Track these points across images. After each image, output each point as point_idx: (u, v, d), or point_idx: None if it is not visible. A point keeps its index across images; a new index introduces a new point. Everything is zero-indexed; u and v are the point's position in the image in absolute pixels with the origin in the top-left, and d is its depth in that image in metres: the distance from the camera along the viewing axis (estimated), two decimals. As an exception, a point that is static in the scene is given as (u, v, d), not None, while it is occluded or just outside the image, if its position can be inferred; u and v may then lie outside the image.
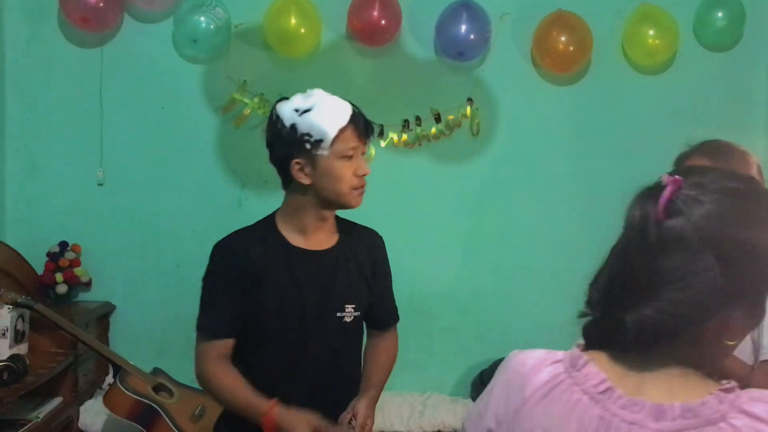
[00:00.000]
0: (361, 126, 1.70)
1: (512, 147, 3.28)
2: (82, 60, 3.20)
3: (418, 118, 3.18)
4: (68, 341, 2.87)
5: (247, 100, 3.10)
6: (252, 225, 1.80)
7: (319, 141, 1.64)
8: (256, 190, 3.27)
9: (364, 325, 1.93)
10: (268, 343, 1.75)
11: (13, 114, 3.20)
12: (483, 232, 3.31)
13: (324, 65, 3.19)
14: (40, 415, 2.66)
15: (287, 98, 1.72)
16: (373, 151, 3.18)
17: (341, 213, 1.88)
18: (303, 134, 1.65)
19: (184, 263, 3.27)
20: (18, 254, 2.99)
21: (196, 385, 2.91)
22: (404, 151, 3.22)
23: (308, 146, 1.65)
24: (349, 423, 1.73)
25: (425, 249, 3.27)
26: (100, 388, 3.14)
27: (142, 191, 3.26)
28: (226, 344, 1.73)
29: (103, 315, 3.23)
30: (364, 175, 1.72)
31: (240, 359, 1.77)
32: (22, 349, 2.70)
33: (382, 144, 3.18)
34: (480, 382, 3.19)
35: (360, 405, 1.77)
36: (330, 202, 1.74)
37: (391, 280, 1.96)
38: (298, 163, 1.68)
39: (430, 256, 3.27)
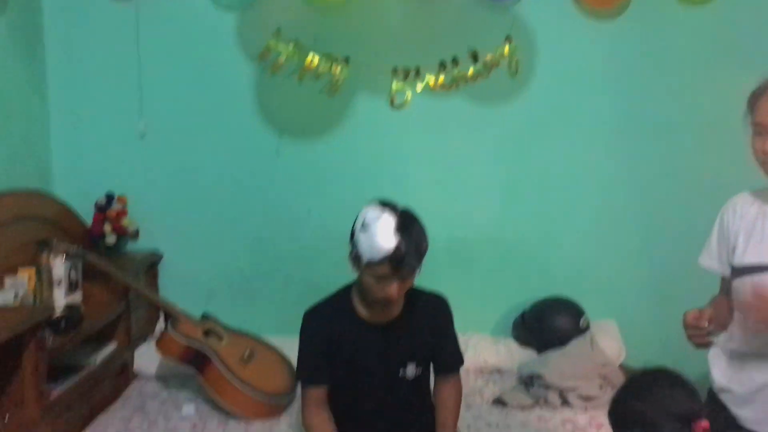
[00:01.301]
0: (398, 265, 1.87)
1: (552, 87, 3.21)
2: (119, 12, 3.21)
3: (454, 60, 3.12)
4: (120, 290, 2.97)
5: (281, 48, 3.08)
6: (335, 295, 2.12)
7: (359, 258, 1.90)
8: (294, 139, 3.29)
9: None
10: (345, 396, 2.09)
11: (55, 69, 3.24)
12: (522, 174, 3.28)
13: (359, 8, 3.14)
14: (97, 360, 2.78)
15: (383, 201, 1.96)
16: (409, 95, 3.14)
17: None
18: (353, 243, 1.92)
19: (227, 212, 3.33)
20: (67, 206, 3.08)
21: (244, 329, 3.02)
22: (441, 95, 3.18)
23: (353, 256, 1.94)
24: None
25: (464, 193, 3.26)
26: (153, 334, 3.25)
27: (182, 142, 3.30)
28: (321, 390, 2.06)
29: (152, 264, 3.32)
30: (388, 297, 1.93)
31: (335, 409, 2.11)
32: (77, 298, 2.81)
33: (419, 87, 3.14)
34: (521, 322, 3.22)
35: None
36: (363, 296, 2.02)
37: (454, 333, 2.20)
38: (350, 257, 1.96)
39: (469, 200, 3.27)
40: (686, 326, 1.87)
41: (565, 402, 2.75)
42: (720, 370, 1.92)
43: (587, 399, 2.73)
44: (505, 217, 3.30)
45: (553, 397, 2.75)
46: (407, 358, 2.08)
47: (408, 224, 1.90)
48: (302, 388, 2.10)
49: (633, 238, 3.29)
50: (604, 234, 3.29)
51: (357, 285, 2.04)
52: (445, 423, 2.11)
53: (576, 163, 3.24)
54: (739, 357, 1.89)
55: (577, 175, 3.25)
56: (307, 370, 2.08)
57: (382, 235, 1.85)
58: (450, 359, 2.19)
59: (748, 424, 1.84)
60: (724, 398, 1.90)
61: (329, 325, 2.04)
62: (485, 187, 3.28)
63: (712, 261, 1.95)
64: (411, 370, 2.08)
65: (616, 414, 1.73)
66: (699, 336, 1.86)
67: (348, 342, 2.04)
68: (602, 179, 3.25)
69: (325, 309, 2.08)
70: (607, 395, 2.65)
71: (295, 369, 2.13)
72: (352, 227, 1.93)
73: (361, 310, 2.05)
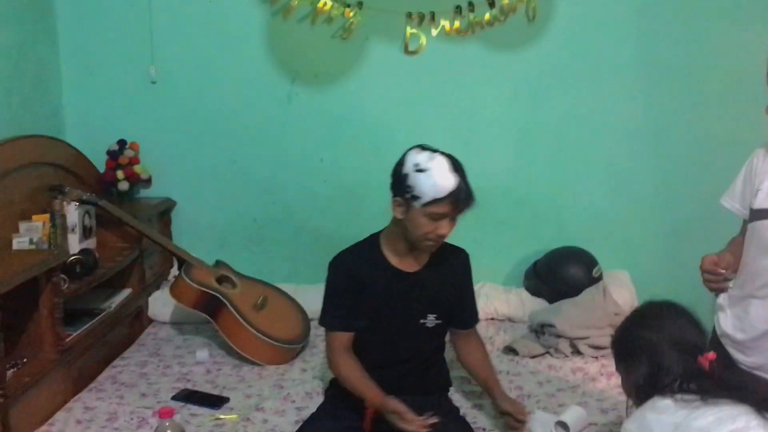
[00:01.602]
0: (458, 203, 1.96)
1: (569, 32, 3.13)
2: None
3: (471, 4, 3.05)
4: (133, 236, 2.98)
5: (293, -9, 3.02)
6: (362, 243, 2.17)
7: (417, 197, 1.94)
8: (306, 85, 3.25)
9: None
10: (364, 342, 2.11)
11: (66, 16, 3.20)
12: (539, 122, 3.23)
13: (372, -50, 3.07)
14: (113, 305, 2.82)
15: (423, 146, 2.01)
16: (423, 40, 3.09)
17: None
18: (408, 185, 1.95)
19: (239, 159, 3.32)
20: (80, 153, 3.07)
21: (256, 276, 3.04)
22: (456, 40, 3.12)
23: (407, 196, 1.96)
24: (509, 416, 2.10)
25: (479, 141, 3.22)
26: (166, 280, 3.29)
27: (193, 88, 3.27)
28: (346, 336, 2.09)
29: (165, 211, 3.33)
30: (440, 236, 2.00)
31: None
32: (91, 243, 2.83)
33: (434, 33, 3.09)
34: (533, 272, 3.22)
35: (505, 403, 2.11)
36: (407, 239, 2.05)
37: (473, 289, 2.27)
38: (397, 200, 2.01)
39: (483, 148, 3.23)
40: (703, 271, 1.87)
41: (575, 351, 2.77)
42: (725, 316, 1.93)
43: (598, 348, 2.74)
44: (519, 165, 3.27)
45: (564, 346, 2.76)
46: (429, 308, 2.12)
47: (458, 164, 1.99)
48: (328, 333, 2.12)
49: (648, 189, 3.25)
50: (619, 184, 3.26)
51: (394, 231, 2.07)
52: (489, 376, 2.19)
53: (593, 111, 3.19)
54: (743, 304, 1.89)
55: (593, 123, 3.20)
56: (336, 316, 2.10)
57: (443, 173, 1.93)
58: (471, 315, 2.26)
59: (748, 369, 1.86)
60: (727, 343, 1.92)
61: (357, 271, 2.08)
62: (500, 136, 3.24)
63: (734, 202, 1.96)
64: (431, 320, 2.12)
65: (620, 343, 1.72)
66: (715, 281, 1.86)
67: (374, 288, 2.08)
68: (619, 127, 3.19)
69: (352, 255, 2.12)
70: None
71: (321, 314, 2.14)
72: (398, 171, 1.98)
73: (391, 257, 2.09)
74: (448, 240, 2.10)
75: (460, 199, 1.95)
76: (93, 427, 2.24)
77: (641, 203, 3.27)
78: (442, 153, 2.00)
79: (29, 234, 2.49)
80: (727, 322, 1.93)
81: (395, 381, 2.06)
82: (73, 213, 2.72)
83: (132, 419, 2.29)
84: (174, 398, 2.43)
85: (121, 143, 3.24)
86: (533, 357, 2.74)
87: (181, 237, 3.33)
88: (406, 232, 2.03)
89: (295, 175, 3.32)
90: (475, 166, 3.22)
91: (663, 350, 1.60)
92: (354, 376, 2.05)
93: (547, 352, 2.77)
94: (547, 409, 2.30)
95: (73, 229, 2.72)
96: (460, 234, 3.28)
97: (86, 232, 2.81)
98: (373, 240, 2.14)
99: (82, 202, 2.76)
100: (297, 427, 2.22)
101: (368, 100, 3.24)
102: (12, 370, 2.20)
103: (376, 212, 3.30)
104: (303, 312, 2.97)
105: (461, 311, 2.22)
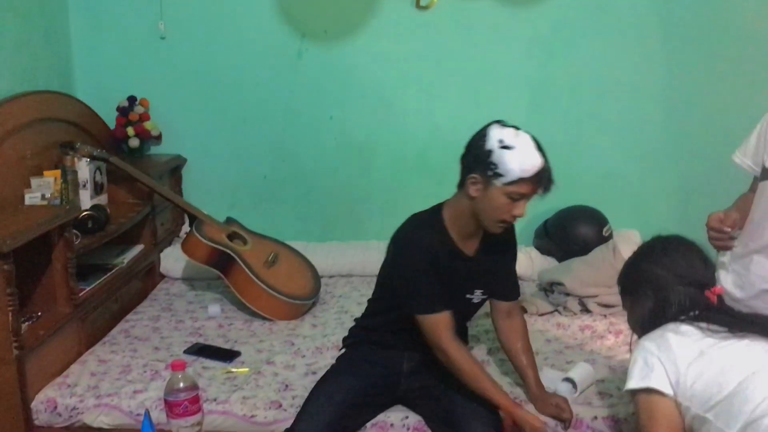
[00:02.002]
0: (542, 183, 1.87)
1: (585, -13, 3.08)
2: None
3: (484, -42, 3.00)
4: (144, 192, 3.00)
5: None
6: (428, 221, 2.01)
7: (500, 175, 1.83)
8: (316, 41, 3.21)
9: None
10: (404, 314, 2.01)
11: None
12: (551, 80, 3.19)
13: None
14: (125, 261, 2.84)
15: (503, 122, 1.90)
16: (436, -5, 3.05)
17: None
18: (491, 162, 1.84)
19: (249, 116, 3.31)
20: (90, 109, 3.07)
21: (267, 234, 3.05)
22: (469, -5, 3.07)
23: (489, 173, 1.85)
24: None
25: (490, 99, 3.19)
26: (178, 236, 3.31)
27: (203, 44, 3.25)
28: (447, 316, 1.95)
29: (175, 168, 3.34)
30: (516, 216, 1.91)
31: (383, 316, 2.11)
32: (102, 200, 2.84)
33: (446, -13, 3.04)
34: (544, 231, 3.21)
35: (546, 408, 2.04)
36: (478, 217, 1.95)
37: (515, 262, 2.19)
38: (474, 178, 1.89)
39: (495, 106, 3.19)
40: (709, 228, 1.87)
41: (584, 309, 2.78)
42: (725, 273, 1.93)
43: (607, 306, 2.75)
44: (532, 123, 3.15)
45: (573, 305, 2.78)
46: (479, 284, 2.08)
47: (539, 142, 1.89)
48: (428, 316, 1.94)
49: (661, 148, 3.22)
50: (632, 143, 3.23)
51: (462, 209, 1.95)
52: (526, 348, 2.13)
53: (606, 69, 3.14)
54: (745, 261, 1.89)
55: (606, 81, 3.16)
56: (432, 298, 1.95)
57: (530, 151, 1.84)
58: (514, 287, 2.18)
59: None
60: (726, 300, 1.91)
61: (433, 253, 1.96)
62: (512, 94, 3.20)
63: (745, 158, 1.94)
64: (478, 295, 2.09)
65: (626, 278, 1.72)
66: (720, 239, 1.86)
67: (442, 268, 1.98)
68: (632, 86, 3.15)
69: (424, 236, 1.97)
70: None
71: (412, 301, 1.96)
72: (479, 146, 1.86)
73: (456, 238, 1.99)
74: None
75: (544, 179, 1.86)
76: (107, 379, 2.28)
77: (653, 162, 3.24)
78: (521, 129, 1.90)
79: (41, 190, 2.51)
80: (727, 279, 1.93)
81: (423, 346, 2.01)
82: (84, 169, 2.73)
83: (145, 372, 2.33)
84: (186, 352, 2.47)
85: (131, 100, 3.23)
86: (542, 315, 2.76)
87: (191, 194, 3.34)
88: (478, 211, 1.92)
89: (305, 132, 3.31)
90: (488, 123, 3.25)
91: (669, 284, 1.60)
92: (475, 368, 1.94)
93: (556, 310, 2.78)
94: (554, 366, 2.31)
95: (84, 185, 2.73)
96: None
97: (97, 188, 2.82)
98: (438, 218, 2.01)
99: (93, 158, 2.76)
100: (307, 380, 2.26)
101: (379, 57, 3.20)
102: (27, 324, 2.23)
103: (386, 170, 3.33)
104: (313, 269, 2.99)
105: (505, 284, 2.15)
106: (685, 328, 1.55)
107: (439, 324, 1.94)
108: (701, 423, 1.49)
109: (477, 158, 1.87)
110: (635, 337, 1.70)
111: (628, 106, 3.19)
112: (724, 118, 3.06)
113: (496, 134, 1.86)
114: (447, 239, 1.99)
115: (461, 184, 1.94)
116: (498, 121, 1.91)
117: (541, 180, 1.86)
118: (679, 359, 1.51)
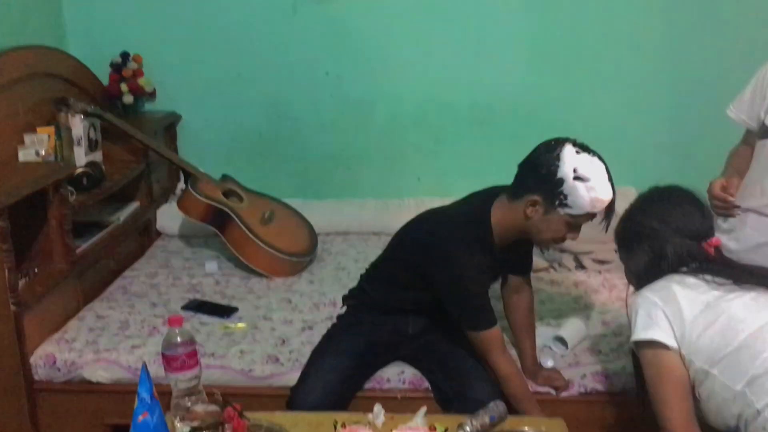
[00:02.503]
0: (605, 214, 1.81)
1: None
2: None
3: None
4: (139, 150, 2.98)
5: None
6: (474, 223, 1.90)
7: (567, 206, 1.76)
8: (312, -6, 3.16)
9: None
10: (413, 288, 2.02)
11: None
12: (550, 34, 3.15)
13: None
14: (121, 218, 2.84)
15: (576, 142, 1.79)
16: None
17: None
18: (561, 192, 1.75)
19: (244, 72, 3.27)
20: (83, 65, 3.03)
21: (263, 191, 3.04)
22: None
23: (556, 202, 1.76)
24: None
25: (489, 54, 3.15)
26: (174, 194, 3.30)
27: (196, -2, 3.20)
28: (498, 331, 1.93)
29: (170, 125, 3.31)
30: (571, 239, 1.87)
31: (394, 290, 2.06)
32: (97, 157, 2.82)
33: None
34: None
35: (539, 380, 2.07)
36: (528, 235, 1.88)
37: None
38: (536, 201, 1.80)
39: (493, 61, 3.17)
40: (712, 197, 1.86)
41: (579, 265, 2.79)
42: (721, 227, 1.92)
43: (602, 262, 2.77)
44: (530, 78, 3.20)
45: (568, 261, 2.79)
46: (502, 271, 2.07)
47: (609, 170, 1.80)
48: (484, 332, 1.89)
49: (660, 105, 3.20)
50: (631, 99, 3.20)
51: (511, 222, 1.86)
52: (529, 326, 2.13)
53: (606, 23, 3.10)
54: (742, 216, 1.90)
55: (606, 36, 3.12)
56: (489, 312, 1.91)
57: (603, 186, 1.75)
58: (530, 264, 2.15)
59: None
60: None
61: (483, 270, 1.91)
62: (510, 48, 3.16)
63: (740, 113, 1.94)
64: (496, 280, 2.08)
65: (622, 230, 1.69)
66: (724, 208, 1.85)
67: (487, 277, 1.97)
68: (632, 41, 3.11)
69: (475, 252, 1.88)
70: (623, 259, 2.68)
71: (471, 317, 1.90)
72: (551, 172, 1.75)
73: (498, 243, 1.91)
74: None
75: (610, 209, 1.80)
76: (105, 335, 2.30)
77: (652, 119, 3.22)
78: (594, 152, 1.80)
79: (35, 146, 2.49)
80: (722, 233, 1.90)
81: (429, 311, 2.04)
82: (78, 126, 2.70)
83: (143, 327, 2.35)
84: (184, 308, 2.49)
85: (125, 55, 3.18)
86: (537, 271, 2.76)
87: (187, 151, 3.31)
88: (530, 229, 1.84)
89: (301, 88, 3.27)
90: (485, 80, 3.23)
91: (665, 237, 1.57)
92: (523, 380, 1.95)
93: (551, 267, 2.80)
94: (548, 323, 2.33)
95: (78, 142, 2.71)
96: (468, 150, 3.29)
97: (92, 145, 2.80)
98: (484, 220, 1.90)
99: (87, 114, 2.74)
100: (304, 336, 2.28)
101: (375, 11, 3.15)
102: (23, 280, 2.24)
103: (383, 126, 3.31)
104: (310, 226, 3.00)
105: (522, 262, 2.11)
106: (691, 280, 1.52)
107: (493, 339, 1.90)
108: (704, 377, 1.47)
109: (545, 182, 1.77)
110: (631, 289, 1.68)
111: (628, 62, 3.15)
112: (725, 74, 3.02)
113: (571, 160, 1.74)
114: (494, 251, 1.91)
115: (515, 195, 1.84)
116: (571, 141, 1.80)
117: (606, 211, 1.80)
118: (684, 312, 1.48)
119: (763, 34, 2.98)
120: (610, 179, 1.78)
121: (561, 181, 1.74)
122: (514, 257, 2.04)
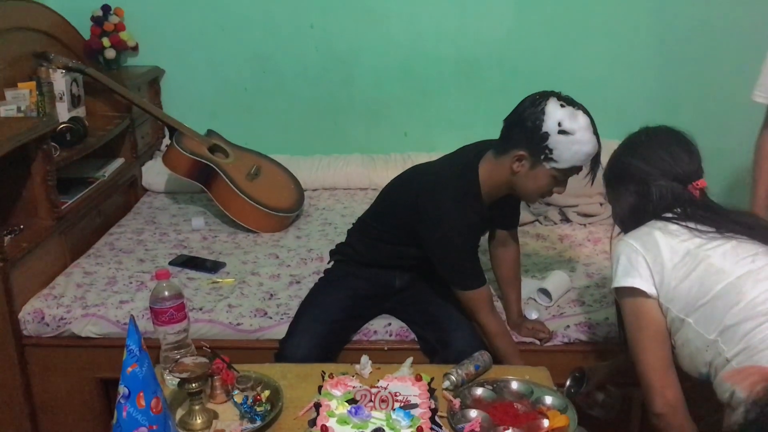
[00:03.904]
0: (591, 167, 1.81)
1: None
2: None
3: None
4: (123, 105, 2.95)
5: None
6: (464, 190, 1.88)
7: (553, 160, 1.76)
8: (296, -55, 3.10)
9: None
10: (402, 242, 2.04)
11: None
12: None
13: None
14: (106, 174, 2.82)
15: (560, 95, 1.77)
16: None
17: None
18: (546, 146, 1.75)
19: (227, 25, 3.22)
20: (63, 19, 2.97)
21: (249, 147, 3.03)
22: None
23: (542, 156, 1.76)
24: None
25: (474, 5, 3.12)
26: (159, 149, 3.28)
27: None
28: (488, 289, 1.95)
29: (153, 79, 3.27)
30: (556, 193, 1.86)
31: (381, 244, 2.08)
32: (80, 112, 2.80)
33: None
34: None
35: (523, 331, 2.10)
36: (515, 190, 1.88)
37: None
38: (522, 156, 1.79)
39: (479, 14, 3.13)
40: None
41: (564, 219, 2.81)
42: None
43: (587, 216, 2.79)
44: (516, 30, 3.18)
45: (553, 214, 2.81)
46: (490, 227, 2.08)
47: (594, 122, 1.78)
48: (474, 291, 1.91)
49: (647, 60, 3.19)
50: (617, 51, 3.19)
51: (498, 177, 1.86)
52: (514, 279, 2.16)
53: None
54: None
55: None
56: (479, 271, 1.93)
57: (587, 139, 1.74)
58: (517, 218, 2.16)
59: None
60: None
61: (473, 227, 1.92)
62: (497, 1, 3.13)
63: (765, 94, 1.97)
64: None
65: (610, 171, 1.67)
66: None
67: (477, 235, 1.99)
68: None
69: (465, 209, 1.87)
70: (607, 213, 2.70)
71: (462, 276, 1.92)
72: (536, 127, 1.74)
73: (485, 199, 1.91)
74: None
75: (595, 163, 1.80)
76: (93, 290, 2.31)
77: (638, 74, 3.22)
78: (578, 104, 1.78)
79: (16, 102, 2.46)
80: None
81: (416, 266, 2.08)
82: (60, 81, 2.67)
83: (131, 283, 2.36)
84: (171, 263, 2.49)
85: (106, 9, 3.13)
86: (522, 225, 2.78)
87: (171, 107, 3.28)
88: (516, 185, 1.84)
89: (285, 42, 3.24)
90: (470, 33, 3.20)
91: (651, 179, 1.56)
92: (509, 335, 1.99)
93: (537, 220, 2.82)
94: (533, 276, 2.36)
95: (60, 98, 2.68)
96: (454, 104, 3.28)
97: (75, 101, 2.77)
98: (473, 176, 1.89)
99: (68, 69, 2.70)
100: (291, 290, 2.30)
101: (360, -38, 3.10)
102: (9, 236, 2.23)
103: (369, 80, 3.28)
104: (296, 181, 2.99)
105: (509, 216, 2.11)
106: (673, 227, 1.52)
107: (481, 299, 1.92)
108: (680, 324, 1.48)
109: (530, 137, 1.76)
110: (616, 230, 1.67)
111: (615, 16, 3.13)
112: (712, 34, 3.02)
113: (554, 114, 1.73)
114: (483, 208, 1.92)
115: (501, 151, 1.84)
116: (555, 94, 1.78)
117: (592, 164, 1.80)
118: (665, 259, 1.49)
119: (751, 4, 2.97)
120: (596, 132, 1.77)
121: (546, 135, 1.74)
122: (502, 212, 2.05)
